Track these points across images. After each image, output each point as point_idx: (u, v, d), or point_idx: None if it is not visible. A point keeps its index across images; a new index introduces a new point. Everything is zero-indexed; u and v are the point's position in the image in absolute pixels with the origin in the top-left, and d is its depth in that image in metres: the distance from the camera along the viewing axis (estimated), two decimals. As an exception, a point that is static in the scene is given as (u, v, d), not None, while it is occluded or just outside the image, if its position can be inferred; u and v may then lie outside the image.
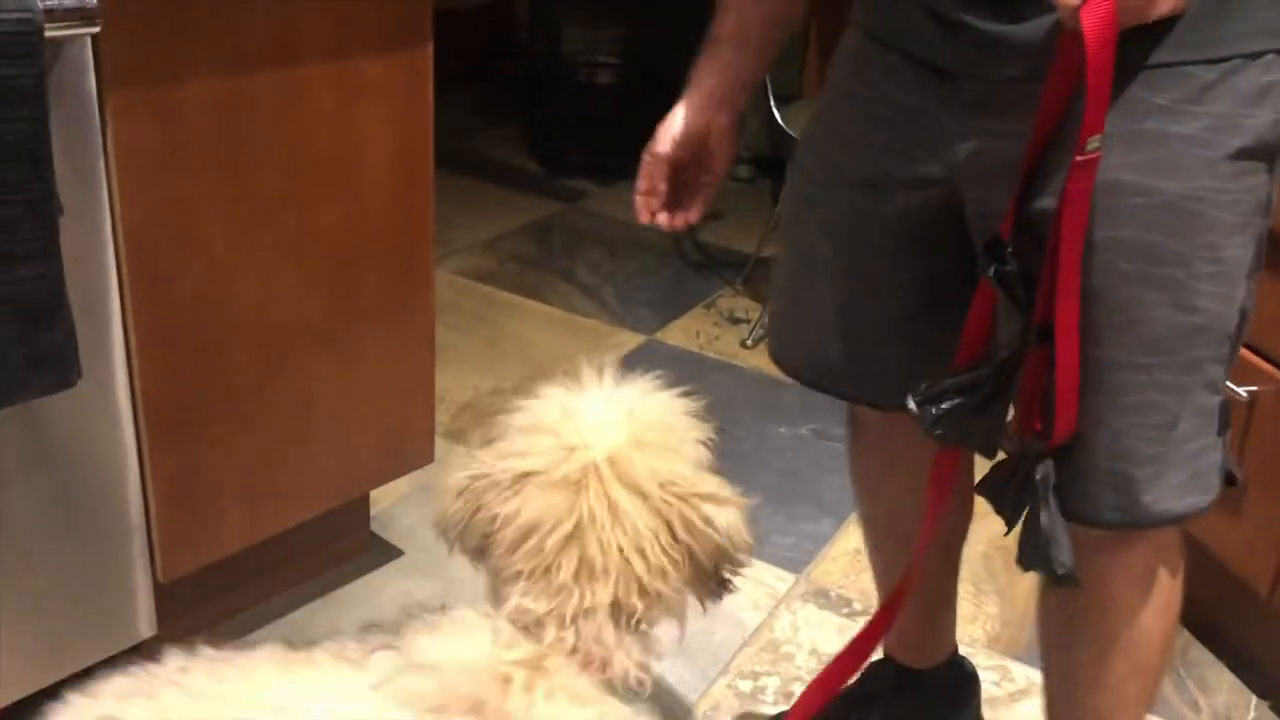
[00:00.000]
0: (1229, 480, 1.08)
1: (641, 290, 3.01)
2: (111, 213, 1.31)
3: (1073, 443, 1.03)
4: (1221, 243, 0.97)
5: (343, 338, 1.60)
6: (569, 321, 2.80)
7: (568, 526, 0.95)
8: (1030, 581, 1.96)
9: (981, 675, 1.62)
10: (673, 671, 1.70)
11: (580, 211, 3.53)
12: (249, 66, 1.38)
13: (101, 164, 1.28)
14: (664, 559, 0.96)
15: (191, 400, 1.46)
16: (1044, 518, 1.04)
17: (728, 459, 2.20)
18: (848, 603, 1.89)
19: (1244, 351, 1.48)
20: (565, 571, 0.95)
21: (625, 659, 0.96)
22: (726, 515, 1.00)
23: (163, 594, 1.51)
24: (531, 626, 0.96)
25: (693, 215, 1.28)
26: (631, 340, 2.70)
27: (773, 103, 2.70)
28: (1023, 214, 1.00)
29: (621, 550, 0.95)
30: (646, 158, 1.24)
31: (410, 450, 1.78)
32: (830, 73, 1.22)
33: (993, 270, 1.00)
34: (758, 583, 1.92)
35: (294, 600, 1.78)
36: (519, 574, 0.97)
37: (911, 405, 1.06)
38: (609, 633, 0.96)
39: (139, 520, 1.45)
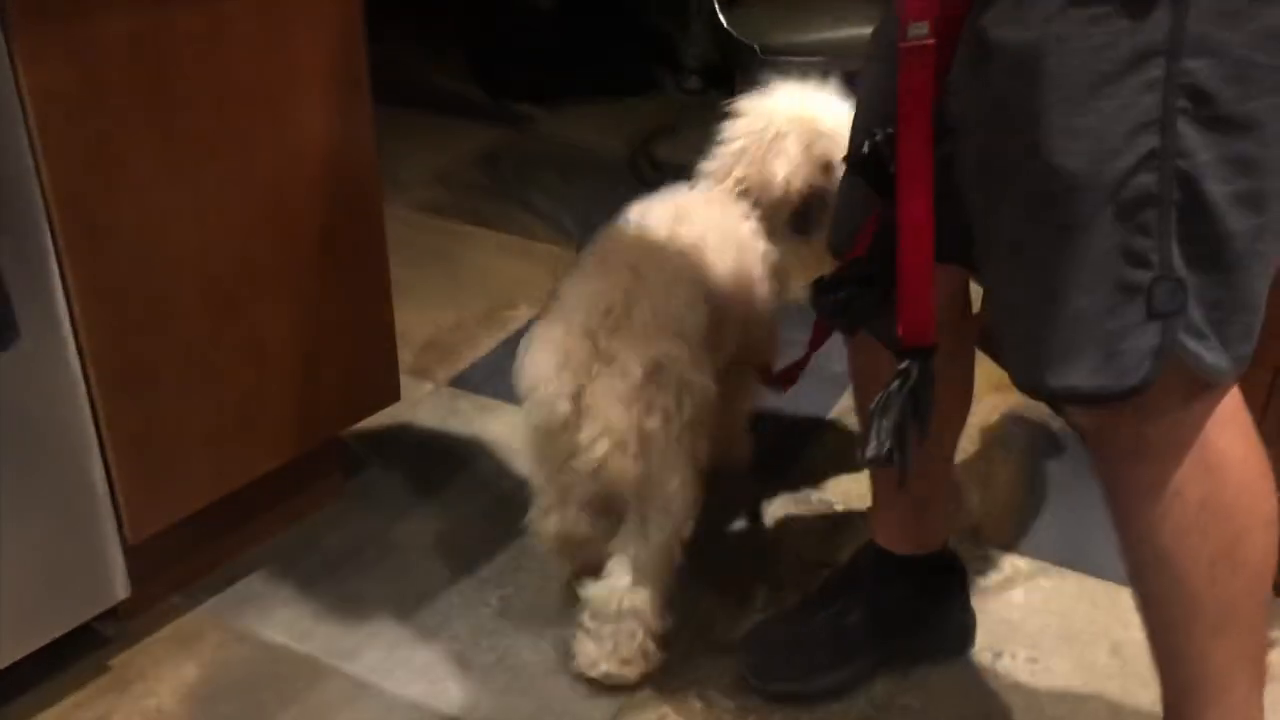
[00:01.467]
0: (1212, 374, 0.99)
1: (599, 212, 2.90)
2: (35, 164, 1.25)
3: (995, 309, 1.01)
4: (1080, 97, 0.90)
5: (293, 278, 1.55)
6: (527, 248, 2.74)
7: None
8: (1010, 470, 1.96)
9: (967, 567, 1.62)
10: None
11: (529, 136, 3.46)
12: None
13: (18, 111, 1.21)
14: None
15: (142, 353, 1.41)
16: (891, 404, 1.02)
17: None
18: (829, 506, 1.88)
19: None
20: None
21: None
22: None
23: (135, 553, 1.48)
24: None
25: None
26: (592, 262, 2.65)
27: (717, 7, 2.64)
28: None
29: None
30: None
31: (375, 390, 1.75)
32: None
33: (855, 156, 0.96)
34: (732, 491, 1.90)
35: (273, 550, 1.75)
36: None
37: (809, 297, 1.04)
38: None
39: (101, 482, 1.41)
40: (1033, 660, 1.60)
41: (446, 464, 1.96)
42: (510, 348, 2.32)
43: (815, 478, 1.95)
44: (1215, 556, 1.10)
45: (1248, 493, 1.09)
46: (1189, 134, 0.91)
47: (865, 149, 0.98)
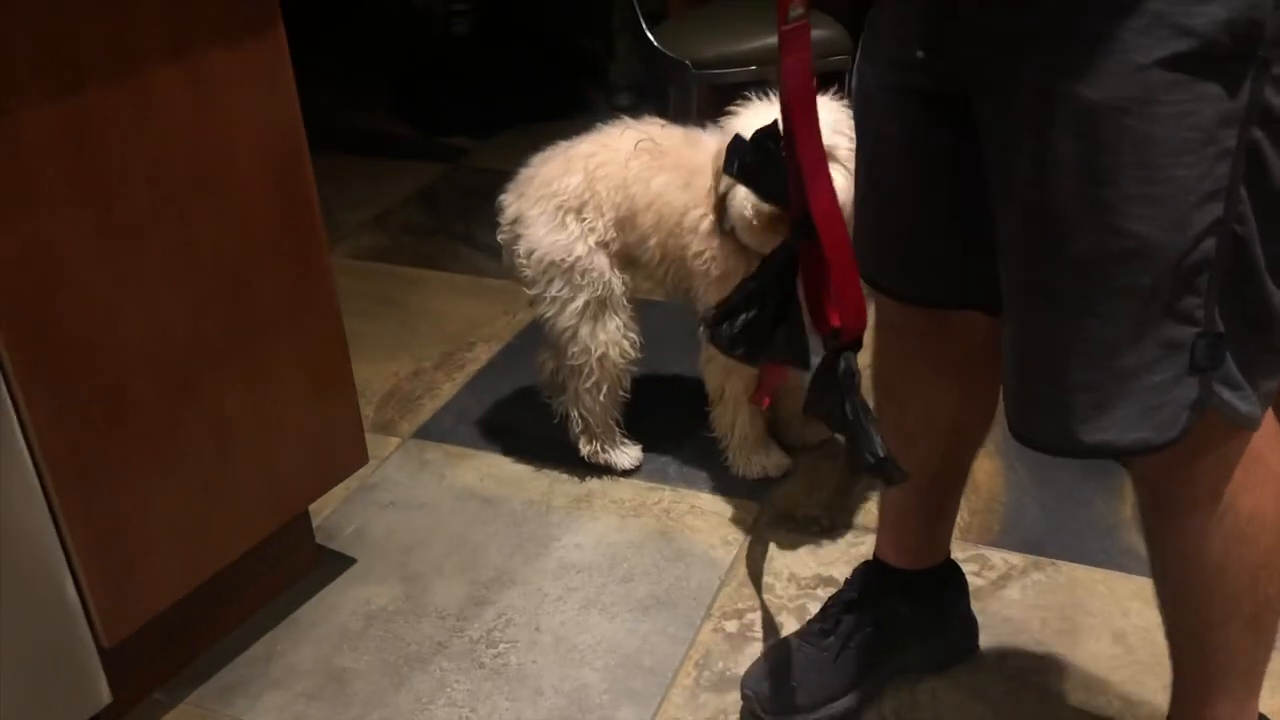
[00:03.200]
0: (1245, 423, 1.01)
1: (544, 240, 2.91)
2: (-33, 268, 1.19)
3: (1019, 367, 0.98)
4: (1159, 162, 0.88)
5: (247, 351, 1.50)
6: (478, 286, 2.70)
7: None
8: (988, 465, 1.95)
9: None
10: (656, 624, 1.66)
11: (464, 170, 3.41)
12: (89, 79, 1.25)
13: (-56, 217, 1.16)
14: None
15: (99, 450, 1.35)
16: (849, 410, 1.00)
17: (663, 393, 2.16)
18: (815, 520, 1.86)
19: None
20: None
21: None
22: None
23: (111, 655, 1.42)
24: None
25: None
26: (545, 294, 2.60)
27: (644, 25, 2.61)
28: None
29: None
30: None
31: (342, 456, 1.69)
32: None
33: (735, 165, 0.94)
34: (723, 519, 1.87)
35: (252, 631, 1.69)
36: None
37: (702, 331, 1.02)
38: None
39: (71, 589, 1.35)
40: (1039, 657, 1.58)
41: (421, 520, 1.91)
42: (472, 392, 2.29)
43: (797, 495, 1.93)
44: (1260, 563, 1.12)
45: None
46: (1246, 201, 0.91)
47: (748, 158, 0.95)
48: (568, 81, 3.80)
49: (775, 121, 1.03)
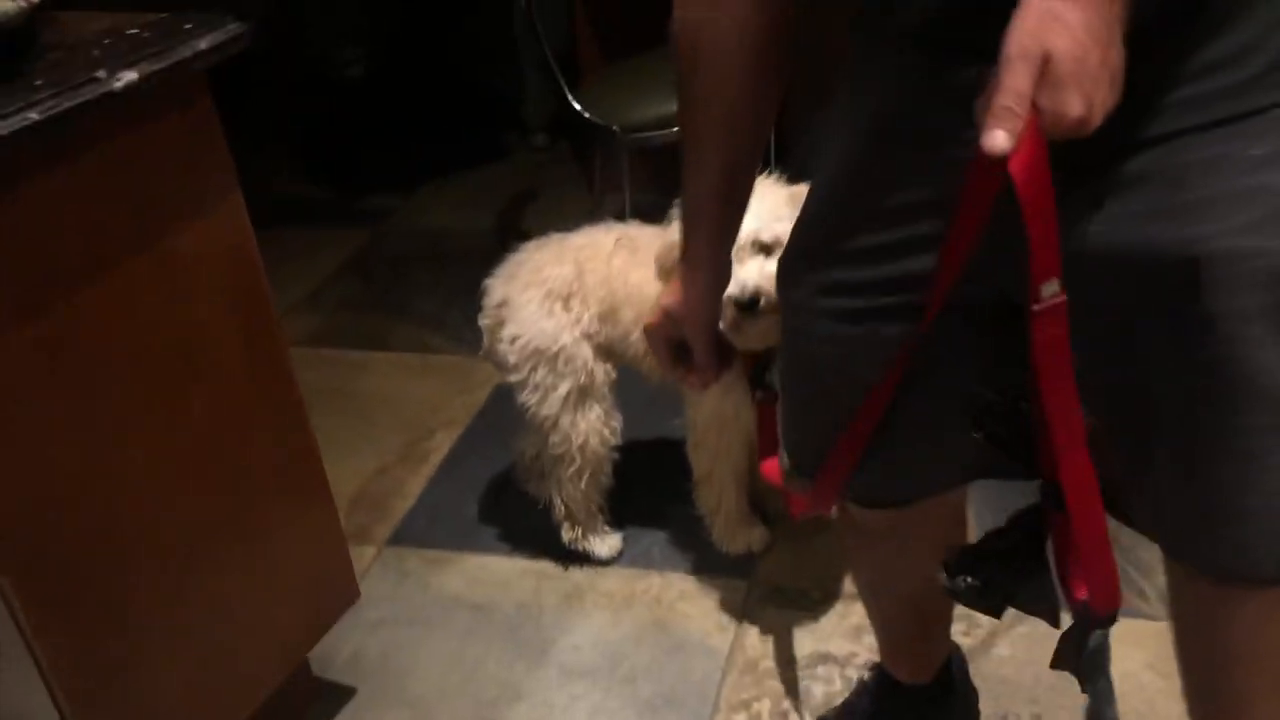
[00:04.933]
0: None
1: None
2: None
3: (1225, 513, 0.98)
4: None
5: (240, 520, 1.48)
6: (426, 364, 2.68)
7: None
8: (971, 522, 2.00)
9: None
10: (667, 727, 1.69)
11: (390, 233, 3.37)
12: (62, 288, 1.22)
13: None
14: None
15: (102, 650, 1.32)
16: (1106, 711, 1.00)
17: (642, 465, 2.17)
18: (804, 594, 1.90)
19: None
20: None
21: None
22: None
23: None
24: None
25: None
26: (495, 372, 2.59)
27: (568, 92, 2.60)
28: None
29: None
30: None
31: (335, 597, 1.68)
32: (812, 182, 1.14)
33: (984, 434, 0.94)
34: (714, 601, 1.90)
35: (261, 782, 1.68)
36: None
37: (944, 580, 1.01)
38: None
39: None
40: (1037, 716, 1.65)
41: (414, 637, 1.90)
42: (441, 486, 2.28)
43: (784, 568, 1.96)
44: None
45: None
46: None
47: (999, 429, 0.95)
48: (480, 126, 3.78)
49: (1023, 381, 0.99)
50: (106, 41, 1.29)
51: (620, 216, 2.66)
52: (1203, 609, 1.18)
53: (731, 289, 1.50)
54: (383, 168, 3.61)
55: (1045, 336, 0.85)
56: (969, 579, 1.00)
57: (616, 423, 1.92)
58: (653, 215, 1.86)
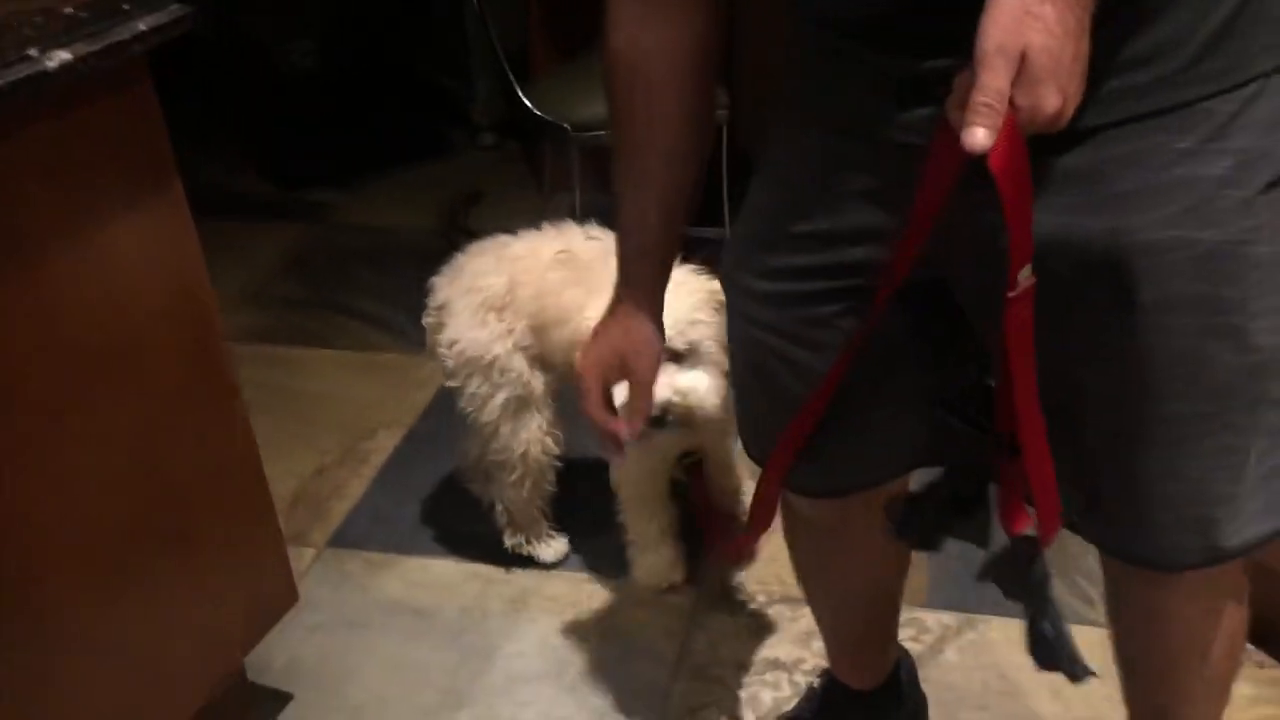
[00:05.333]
0: None
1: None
2: None
3: (1147, 500, 1.00)
4: (1271, 275, 0.92)
5: (171, 523, 1.42)
6: (368, 363, 2.63)
7: None
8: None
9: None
10: (614, 735, 1.66)
11: (332, 228, 3.31)
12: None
13: None
14: None
15: (22, 660, 1.26)
16: (1046, 627, 1.01)
17: (590, 472, 2.14)
18: (752, 599, 1.88)
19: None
20: None
21: None
22: None
23: None
24: None
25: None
26: (439, 371, 2.53)
27: (519, 90, 2.57)
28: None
29: None
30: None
31: (273, 601, 1.63)
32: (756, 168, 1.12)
33: (951, 414, 0.95)
34: (661, 606, 1.88)
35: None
36: None
37: (890, 528, 1.01)
38: None
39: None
40: (984, 724, 1.64)
41: (353, 642, 1.85)
42: (383, 488, 2.23)
43: (730, 572, 1.94)
44: (1236, 638, 1.20)
45: None
46: None
47: (964, 418, 0.96)
48: (428, 123, 3.72)
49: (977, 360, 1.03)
50: (40, 20, 1.23)
51: (571, 216, 2.64)
52: (1138, 606, 1.20)
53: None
54: (327, 162, 3.53)
55: (1017, 319, 0.86)
56: (913, 519, 1.03)
57: (559, 432, 1.87)
58: (603, 217, 1.83)
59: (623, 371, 1.15)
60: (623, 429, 1.16)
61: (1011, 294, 0.85)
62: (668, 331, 1.19)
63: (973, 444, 1.00)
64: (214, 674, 1.54)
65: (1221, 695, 1.26)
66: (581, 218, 2.45)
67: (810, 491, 1.22)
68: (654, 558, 1.90)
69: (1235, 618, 1.18)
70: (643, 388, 1.16)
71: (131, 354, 1.33)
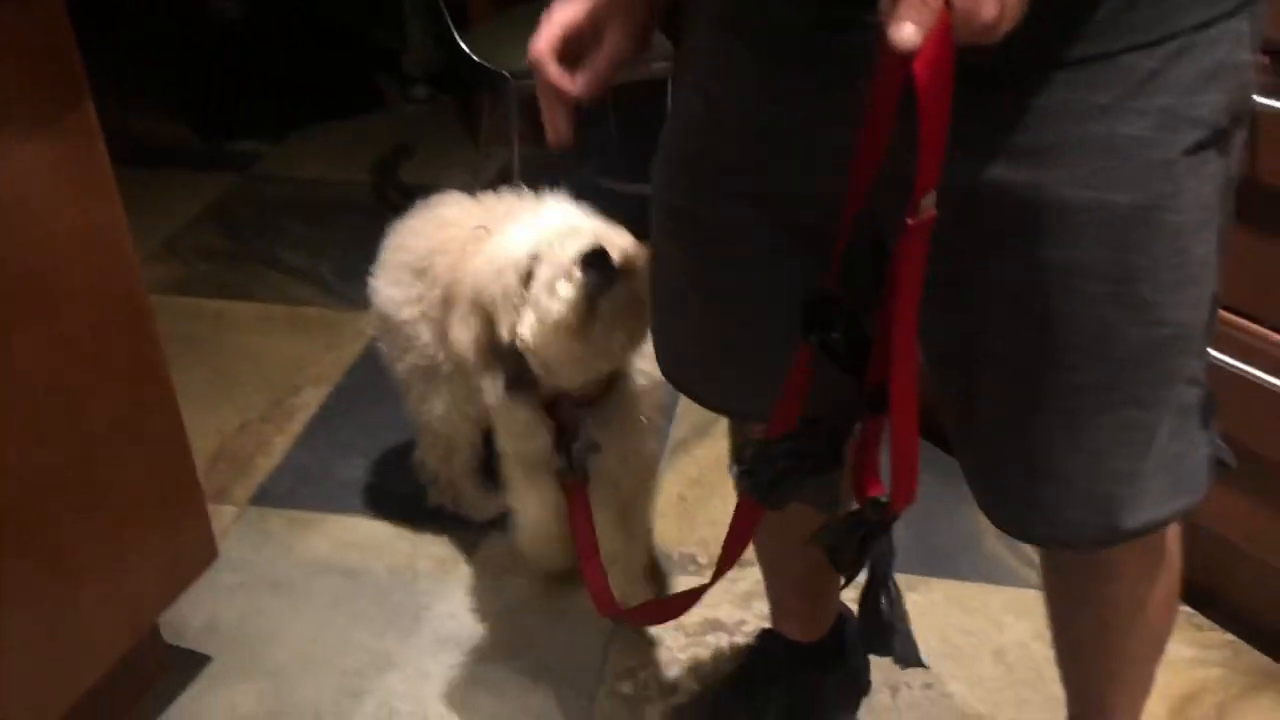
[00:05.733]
0: (1220, 464, 1.02)
1: (360, 257, 2.72)
2: None
3: (1046, 473, 0.96)
4: (1187, 246, 0.88)
5: (84, 471, 1.33)
6: (294, 318, 2.53)
7: None
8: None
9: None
10: (550, 698, 1.60)
11: (257, 179, 3.19)
12: None
13: None
14: None
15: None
16: (883, 603, 0.96)
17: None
18: (691, 559, 1.84)
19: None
20: None
21: None
22: None
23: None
24: None
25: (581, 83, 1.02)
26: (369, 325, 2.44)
27: (456, 35, 2.48)
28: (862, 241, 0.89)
29: None
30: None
31: (191, 557, 1.55)
32: (679, 71, 1.04)
33: (814, 335, 0.89)
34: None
35: (103, 759, 1.53)
36: None
37: (735, 474, 0.95)
38: None
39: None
40: (928, 686, 1.62)
41: (276, 603, 1.77)
42: (309, 445, 2.14)
43: (670, 534, 1.89)
44: (1172, 596, 1.18)
45: None
46: (1219, 262, 0.93)
47: (834, 333, 0.89)
48: (360, 75, 3.60)
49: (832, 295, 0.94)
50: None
51: (507, 171, 2.56)
52: (1070, 569, 1.17)
53: (571, 244, 1.31)
54: (254, 113, 3.41)
55: (910, 249, 0.80)
56: (761, 478, 0.96)
57: (474, 407, 1.73)
58: (541, 173, 1.73)
59: (592, 36, 1.01)
60: (574, 83, 1.02)
61: (911, 220, 0.78)
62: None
63: (840, 390, 0.93)
64: (125, 632, 1.45)
65: (1156, 654, 1.24)
66: (520, 173, 2.38)
67: (712, 407, 1.17)
68: (544, 549, 1.76)
69: (1169, 575, 1.16)
70: (609, 59, 1.01)
71: (41, 291, 1.24)
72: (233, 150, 3.30)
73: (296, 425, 2.17)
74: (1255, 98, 1.29)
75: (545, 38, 1.01)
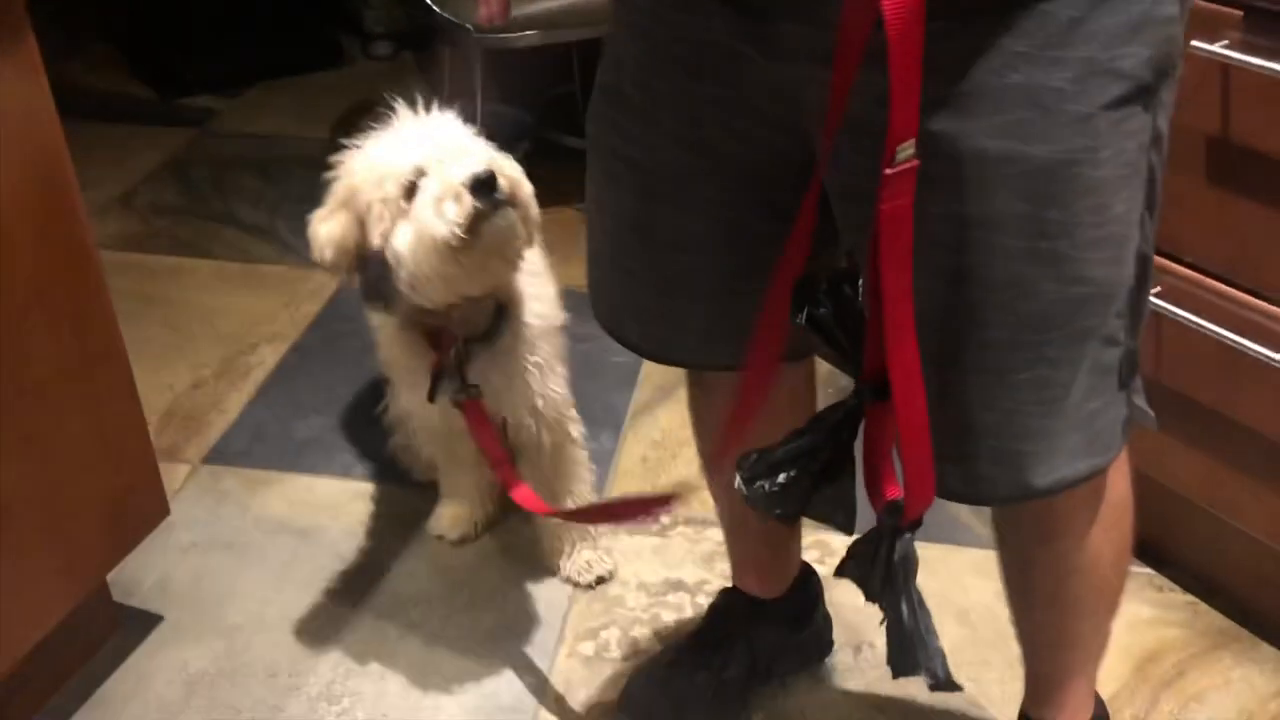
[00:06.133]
0: (1152, 425, 1.02)
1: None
2: None
3: (959, 428, 0.93)
4: (1107, 203, 0.86)
5: (22, 418, 1.29)
6: (250, 274, 2.47)
7: None
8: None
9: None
10: (510, 656, 1.58)
11: (213, 135, 3.12)
12: None
13: None
14: None
15: None
16: (905, 614, 0.90)
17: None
18: (655, 519, 1.82)
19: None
20: None
21: None
22: None
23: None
24: None
25: None
26: (330, 282, 2.40)
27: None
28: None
29: None
30: None
31: (140, 513, 1.51)
32: (616, 8, 1.01)
33: (804, 316, 0.86)
34: (560, 526, 1.80)
35: (56, 717, 1.50)
36: None
37: (739, 484, 0.91)
38: None
39: None
40: (889, 646, 1.61)
41: (230, 563, 1.74)
42: (264, 403, 2.10)
43: (632, 492, 1.87)
44: (1124, 551, 1.17)
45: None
46: (1147, 220, 0.92)
47: (821, 309, 0.86)
48: (318, 30, 3.53)
49: (849, 264, 0.92)
50: None
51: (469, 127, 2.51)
52: (1022, 525, 1.15)
53: (461, 165, 1.25)
54: (211, 69, 3.33)
55: (892, 206, 0.77)
56: (765, 483, 0.91)
57: None
58: (507, 127, 1.69)
59: None
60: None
61: (889, 170, 0.75)
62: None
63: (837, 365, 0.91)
64: (73, 589, 1.41)
65: (1110, 611, 1.23)
66: (484, 127, 2.32)
67: (651, 356, 1.15)
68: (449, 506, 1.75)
69: (1119, 532, 1.14)
70: None
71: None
72: (190, 106, 3.23)
73: (252, 384, 2.13)
74: (1230, 53, 1.30)
75: None
